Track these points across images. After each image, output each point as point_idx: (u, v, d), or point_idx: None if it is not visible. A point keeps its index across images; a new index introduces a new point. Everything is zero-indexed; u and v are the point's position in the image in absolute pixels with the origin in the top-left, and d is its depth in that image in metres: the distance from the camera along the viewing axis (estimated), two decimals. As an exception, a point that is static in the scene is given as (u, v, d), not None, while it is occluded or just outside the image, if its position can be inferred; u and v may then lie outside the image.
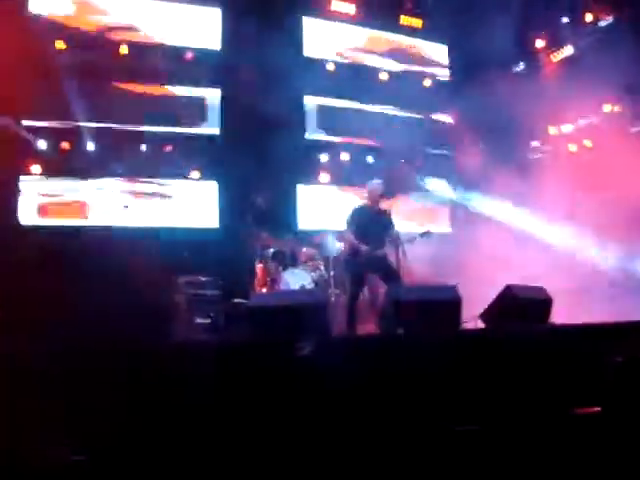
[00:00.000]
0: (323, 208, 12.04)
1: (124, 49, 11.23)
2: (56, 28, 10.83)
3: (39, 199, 10.66)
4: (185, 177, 11.46)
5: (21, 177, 10.55)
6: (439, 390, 5.42)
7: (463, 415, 5.26)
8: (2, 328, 6.10)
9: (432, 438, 5.03)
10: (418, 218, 12.08)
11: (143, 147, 11.18)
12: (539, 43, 12.79)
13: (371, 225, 8.00)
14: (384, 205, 8.27)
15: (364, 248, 7.76)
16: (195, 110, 11.64)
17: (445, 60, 13.81)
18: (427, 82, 13.35)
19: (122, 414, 4.79)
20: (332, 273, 9.48)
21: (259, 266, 9.45)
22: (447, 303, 6.55)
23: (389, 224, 8.13)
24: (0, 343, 5.67)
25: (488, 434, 4.98)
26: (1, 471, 4.40)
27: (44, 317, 8.33)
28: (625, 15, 11.39)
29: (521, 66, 13.19)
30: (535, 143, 13.03)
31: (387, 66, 13.10)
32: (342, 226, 8.37)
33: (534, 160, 12.79)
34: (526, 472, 4.71)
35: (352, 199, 11.60)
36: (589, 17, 12.06)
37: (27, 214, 10.47)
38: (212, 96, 11.72)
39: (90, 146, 10.92)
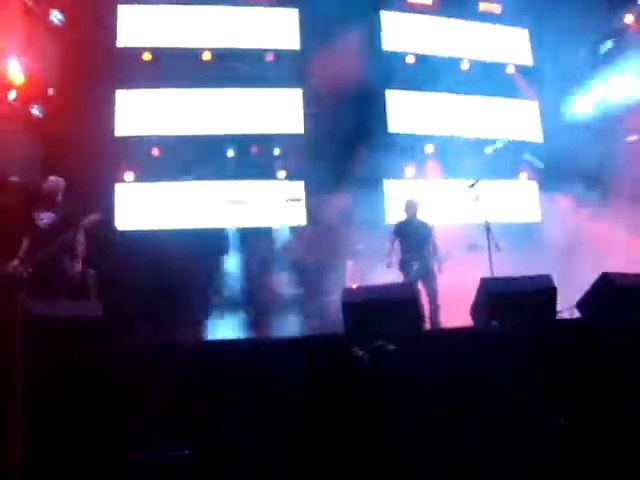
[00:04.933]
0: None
1: (207, 55, 11.54)
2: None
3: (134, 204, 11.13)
4: (272, 177, 11.66)
5: (116, 184, 11.05)
6: (534, 382, 5.35)
7: (557, 408, 5.18)
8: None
9: (524, 431, 4.98)
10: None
11: (230, 150, 11.45)
12: (628, 18, 12.29)
13: (413, 238, 8.83)
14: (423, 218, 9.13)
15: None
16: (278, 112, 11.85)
17: (527, 45, 13.50)
18: (510, 69, 13.11)
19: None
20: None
21: (349, 262, 9.54)
22: (541, 293, 6.43)
23: (427, 237, 8.90)
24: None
25: (579, 428, 4.90)
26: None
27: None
28: None
29: (609, 44, 12.70)
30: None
31: (468, 55, 12.91)
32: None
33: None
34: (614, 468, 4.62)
35: (438, 191, 11.62)
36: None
37: (122, 219, 10.94)
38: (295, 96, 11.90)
39: (179, 152, 11.31)
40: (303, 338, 6.66)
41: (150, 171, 11.23)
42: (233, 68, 11.73)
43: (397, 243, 8.94)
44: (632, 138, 12.17)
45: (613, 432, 4.88)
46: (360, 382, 5.02)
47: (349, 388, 5.02)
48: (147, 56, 11.33)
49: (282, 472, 4.75)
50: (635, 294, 6.75)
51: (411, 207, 9.16)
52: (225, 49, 11.73)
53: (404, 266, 8.78)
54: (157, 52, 11.36)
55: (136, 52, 11.32)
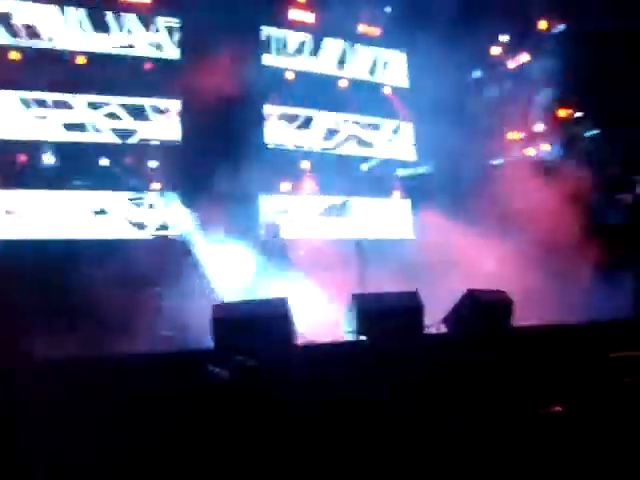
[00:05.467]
0: (284, 217, 12.01)
1: (82, 59, 11.12)
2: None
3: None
4: (147, 189, 11.33)
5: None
6: (404, 395, 5.46)
7: (432, 419, 5.29)
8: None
9: (397, 443, 5.06)
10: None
11: (103, 159, 11.06)
12: (495, 50, 13.05)
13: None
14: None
15: None
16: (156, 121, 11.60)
17: (404, 68, 13.94)
18: (387, 90, 13.49)
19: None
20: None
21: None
22: (409, 309, 6.60)
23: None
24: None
25: (455, 437, 5.03)
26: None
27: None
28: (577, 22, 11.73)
29: (478, 73, 13.40)
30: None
31: (346, 74, 13.17)
32: None
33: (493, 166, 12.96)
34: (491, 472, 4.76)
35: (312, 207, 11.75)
36: (543, 24, 12.41)
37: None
38: (173, 106, 11.67)
39: (50, 159, 10.79)
40: (164, 354, 6.47)
41: (16, 178, 10.64)
42: (109, 74, 11.33)
43: None
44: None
45: (478, 443, 5.03)
46: (221, 397, 4.94)
47: (210, 404, 4.92)
48: (15, 55, 10.74)
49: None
50: (497, 310, 7.08)
51: (270, 229, 9.67)
52: (101, 54, 11.32)
53: None
54: (26, 52, 10.81)
55: (4, 50, 10.72)
